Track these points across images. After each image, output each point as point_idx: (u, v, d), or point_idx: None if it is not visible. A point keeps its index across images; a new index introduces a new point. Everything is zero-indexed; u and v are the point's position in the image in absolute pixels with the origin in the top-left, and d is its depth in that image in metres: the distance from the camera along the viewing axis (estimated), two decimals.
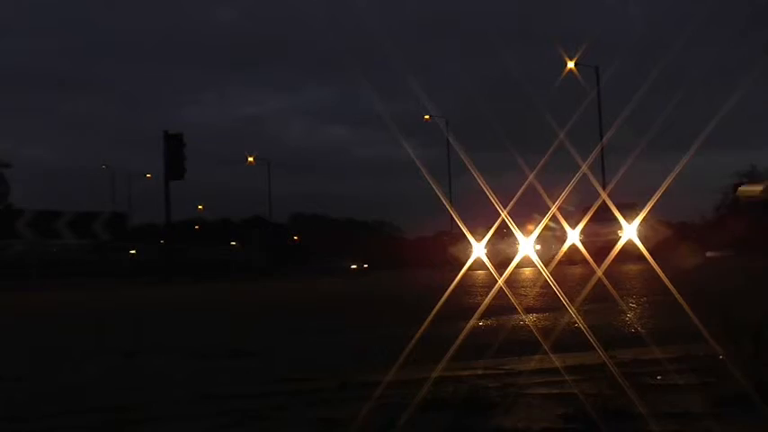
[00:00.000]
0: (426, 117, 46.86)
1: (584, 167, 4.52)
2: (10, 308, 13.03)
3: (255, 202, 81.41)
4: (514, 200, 4.40)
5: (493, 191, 4.58)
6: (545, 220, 5.18)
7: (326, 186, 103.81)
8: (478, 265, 4.86)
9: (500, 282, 6.08)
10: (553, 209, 4.47)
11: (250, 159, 58.05)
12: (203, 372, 4.05)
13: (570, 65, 34.76)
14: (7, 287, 20.74)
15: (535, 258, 4.58)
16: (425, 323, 4.02)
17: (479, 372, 3.28)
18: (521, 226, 5.80)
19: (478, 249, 4.55)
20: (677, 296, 6.35)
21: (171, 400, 3.11)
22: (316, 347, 5.05)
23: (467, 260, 4.76)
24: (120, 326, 8.28)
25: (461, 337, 3.83)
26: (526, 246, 5.33)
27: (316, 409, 2.76)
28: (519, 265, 8.20)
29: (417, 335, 3.82)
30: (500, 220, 4.23)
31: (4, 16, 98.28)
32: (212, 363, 4.40)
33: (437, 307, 4.24)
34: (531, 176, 4.75)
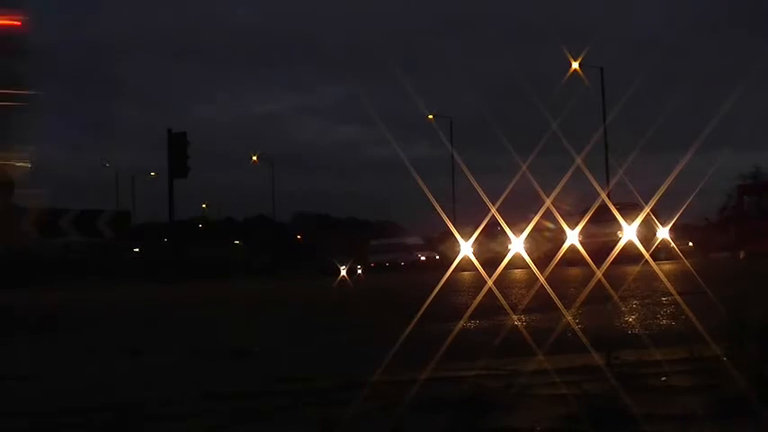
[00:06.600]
0: (430, 116, 46.91)
1: (577, 160, 4.52)
2: (8, 308, 13.02)
3: (262, 200, 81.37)
4: (502, 198, 4.39)
5: (500, 191, 4.57)
6: (535, 220, 5.17)
7: (335, 185, 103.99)
8: (469, 264, 4.84)
9: (489, 282, 6.08)
10: (543, 208, 4.46)
11: (254, 158, 58.28)
12: (206, 370, 4.06)
13: (575, 65, 34.73)
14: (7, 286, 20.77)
15: (526, 257, 4.56)
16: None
17: (483, 372, 3.28)
18: (525, 226, 5.79)
19: (465, 248, 4.52)
20: (679, 298, 6.35)
21: (175, 399, 3.11)
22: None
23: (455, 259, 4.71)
24: (121, 325, 8.29)
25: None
26: (517, 244, 5.29)
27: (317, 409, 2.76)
28: (512, 265, 8.19)
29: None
30: (488, 217, 4.22)
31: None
32: (215, 362, 4.41)
33: None
34: (537, 178, 4.73)
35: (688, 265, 11.66)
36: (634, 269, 11.22)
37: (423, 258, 39.87)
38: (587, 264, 6.25)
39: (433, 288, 5.34)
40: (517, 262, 5.76)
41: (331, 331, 6.05)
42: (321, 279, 23.46)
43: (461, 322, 5.31)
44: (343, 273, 15.84)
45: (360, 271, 24.34)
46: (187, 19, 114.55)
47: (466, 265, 5.18)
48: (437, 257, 37.76)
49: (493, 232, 21.00)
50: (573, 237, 5.82)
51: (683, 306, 5.53)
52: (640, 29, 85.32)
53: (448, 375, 3.19)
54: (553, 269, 7.33)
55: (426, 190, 5.08)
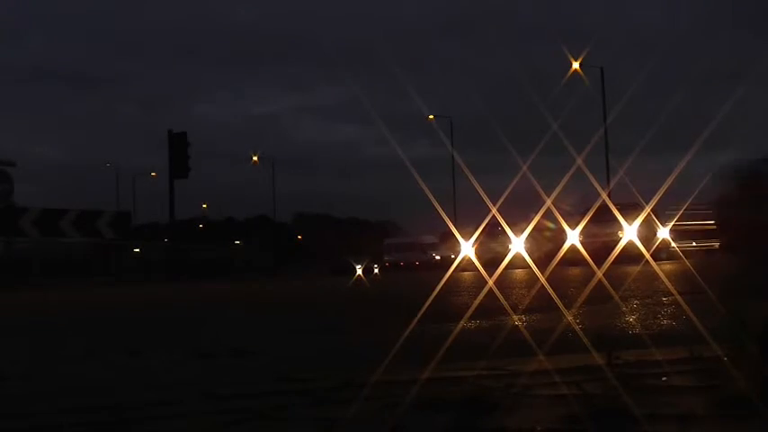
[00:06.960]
0: (430, 117, 47.01)
1: (578, 160, 4.52)
2: (9, 307, 13.04)
3: (262, 200, 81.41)
4: (503, 198, 4.40)
5: (500, 191, 4.57)
6: (535, 219, 5.18)
7: (335, 185, 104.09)
8: (470, 264, 4.83)
9: (490, 282, 6.07)
10: (544, 208, 4.46)
11: (254, 158, 58.34)
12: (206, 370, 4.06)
13: (575, 65, 34.76)
14: (7, 286, 20.80)
15: (527, 257, 4.57)
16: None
17: (484, 372, 3.27)
18: (525, 226, 5.79)
19: (466, 248, 4.52)
20: (679, 298, 6.34)
21: (175, 399, 3.11)
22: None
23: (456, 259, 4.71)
24: (121, 325, 8.29)
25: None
26: (517, 244, 5.29)
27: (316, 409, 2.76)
28: (513, 265, 8.21)
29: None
30: (488, 217, 4.22)
31: (10, 13, 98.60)
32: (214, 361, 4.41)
33: None
34: (538, 178, 4.72)
35: (688, 264, 11.65)
36: (635, 269, 11.22)
37: (437, 258, 39.48)
38: (588, 264, 6.25)
39: (445, 288, 5.33)
40: (518, 262, 5.78)
41: (331, 331, 6.05)
42: (324, 279, 23.46)
43: (462, 322, 5.31)
44: (359, 272, 15.84)
45: (377, 270, 24.22)
46: (187, 18, 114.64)
47: (467, 265, 5.17)
48: (452, 256, 36.89)
49: (493, 232, 21.00)
50: (573, 237, 5.82)
51: (684, 306, 5.53)
52: (640, 29, 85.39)
53: (448, 375, 3.18)
54: (554, 269, 7.34)
55: (427, 190, 5.08)
